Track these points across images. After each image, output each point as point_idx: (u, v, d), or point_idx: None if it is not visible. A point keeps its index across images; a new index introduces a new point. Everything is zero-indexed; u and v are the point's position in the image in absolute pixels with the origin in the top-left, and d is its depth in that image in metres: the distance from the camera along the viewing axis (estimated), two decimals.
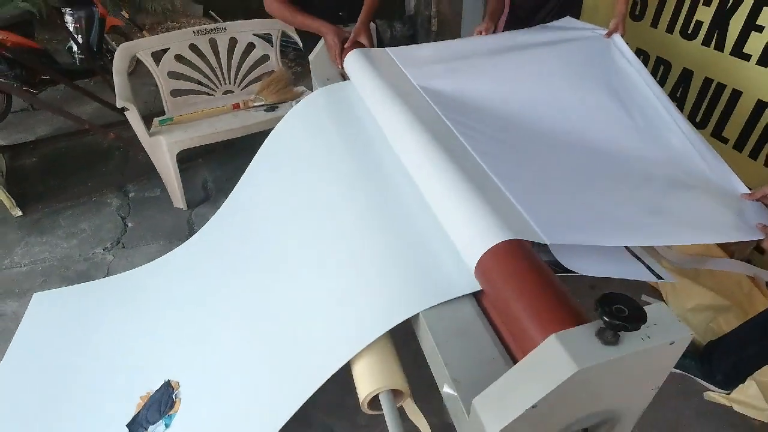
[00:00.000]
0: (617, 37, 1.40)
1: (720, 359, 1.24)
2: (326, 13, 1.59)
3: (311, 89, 1.67)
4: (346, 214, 1.00)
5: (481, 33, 1.54)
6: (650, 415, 1.25)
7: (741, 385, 1.23)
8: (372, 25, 1.58)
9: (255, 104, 2.15)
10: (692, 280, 1.50)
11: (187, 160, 2.42)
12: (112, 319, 1.47)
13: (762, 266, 1.51)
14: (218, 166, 2.40)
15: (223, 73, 2.23)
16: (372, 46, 1.47)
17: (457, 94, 1.23)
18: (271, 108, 2.11)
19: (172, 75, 2.10)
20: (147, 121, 1.92)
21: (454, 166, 0.83)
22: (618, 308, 0.48)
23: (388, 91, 1.16)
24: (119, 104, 1.76)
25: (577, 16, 1.83)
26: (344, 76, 1.47)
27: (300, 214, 1.19)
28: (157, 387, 1.11)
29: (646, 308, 0.51)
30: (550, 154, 1.04)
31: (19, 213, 2.04)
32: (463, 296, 0.73)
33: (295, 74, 2.94)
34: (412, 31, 3.91)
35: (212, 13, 4.07)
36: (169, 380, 1.12)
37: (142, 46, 1.99)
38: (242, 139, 2.03)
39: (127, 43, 2.01)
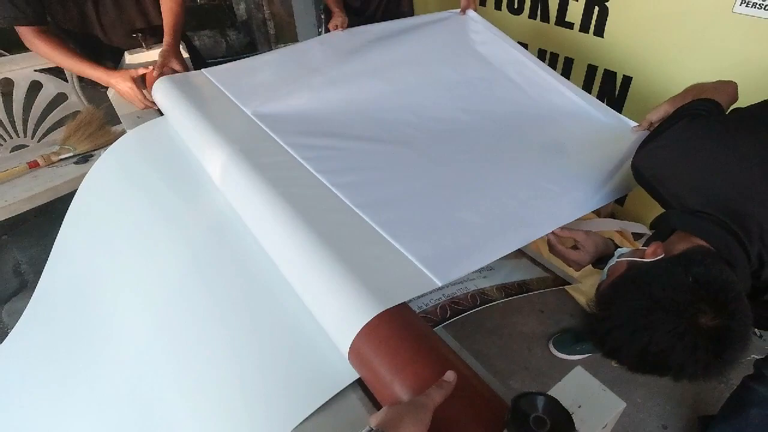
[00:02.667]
0: (471, 12, 1.35)
1: None
2: (115, 37, 1.28)
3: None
4: (185, 299, 0.75)
5: (337, 28, 1.36)
6: None
7: None
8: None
9: (61, 157, 1.71)
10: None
11: None
12: None
13: (625, 218, 1.60)
14: (34, 241, 1.89)
15: (4, 126, 1.74)
16: (186, 69, 1.20)
17: (300, 113, 1.04)
18: (85, 158, 1.69)
19: None
20: None
21: (302, 222, 0.64)
22: (537, 419, 0.34)
23: (209, 128, 0.93)
24: None
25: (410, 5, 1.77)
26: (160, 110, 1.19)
27: (128, 304, 0.90)
28: None
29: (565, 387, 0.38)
30: (416, 162, 0.91)
31: None
32: (344, 390, 0.55)
33: (113, 110, 2.47)
34: (249, 37, 3.60)
35: None
36: None
37: None
38: (62, 198, 1.59)
39: None
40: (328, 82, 1.13)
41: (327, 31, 2.31)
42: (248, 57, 1.29)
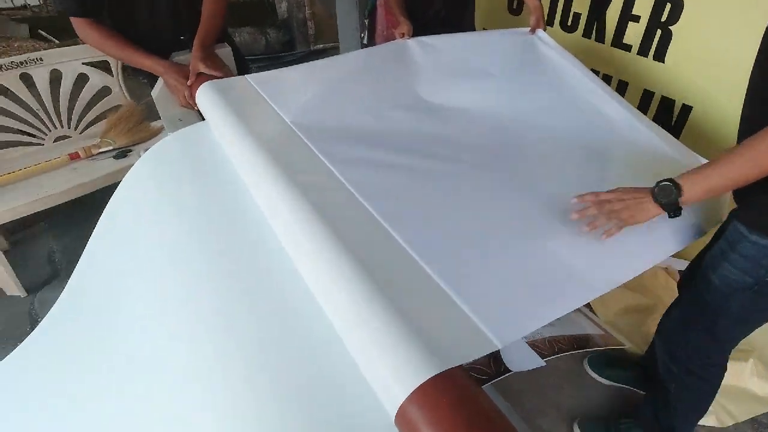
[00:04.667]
0: (542, 33, 1.29)
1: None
2: (162, 38, 1.27)
3: None
4: (211, 315, 0.72)
5: (404, 36, 1.32)
6: None
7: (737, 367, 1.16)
8: (225, 48, 1.28)
9: (101, 150, 1.73)
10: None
11: (22, 227, 1.92)
12: None
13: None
14: (68, 230, 1.92)
15: (50, 116, 1.77)
16: (224, 72, 1.18)
17: (347, 129, 1.00)
18: (123, 153, 1.71)
19: None
20: None
21: (350, 259, 0.59)
22: None
23: (247, 137, 0.90)
24: None
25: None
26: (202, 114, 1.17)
27: (153, 309, 0.88)
28: None
29: None
30: (477, 198, 0.83)
31: None
32: None
33: (152, 106, 2.50)
34: (288, 36, 3.61)
35: (43, 32, 3.39)
36: None
37: None
38: (99, 190, 1.60)
39: None
40: (383, 98, 1.09)
41: (370, 35, 2.30)
42: (287, 55, 1.26)
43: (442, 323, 0.54)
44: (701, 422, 1.17)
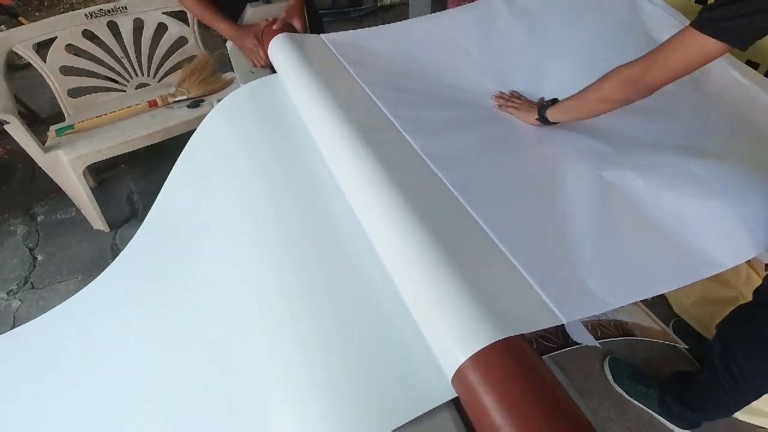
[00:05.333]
0: None
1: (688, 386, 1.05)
2: None
3: None
4: (284, 273, 0.75)
5: None
6: None
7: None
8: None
9: (177, 99, 1.81)
10: None
11: (106, 168, 2.08)
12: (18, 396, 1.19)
13: None
14: (145, 174, 2.06)
15: (132, 64, 1.86)
16: (305, 31, 1.18)
17: (423, 94, 0.98)
18: (196, 103, 1.78)
19: (67, 71, 1.73)
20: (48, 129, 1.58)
21: (418, 220, 0.59)
22: None
23: (319, 93, 0.90)
24: None
25: None
26: (273, 68, 1.19)
27: (220, 252, 0.94)
28: None
29: None
30: (557, 170, 0.79)
31: None
32: (440, 406, 0.52)
33: (224, 57, 2.56)
34: None
35: None
36: None
37: (19, 38, 1.60)
38: (173, 138, 1.71)
39: None
40: (464, 72, 1.05)
41: None
42: (353, 11, 1.24)
43: (507, 293, 0.53)
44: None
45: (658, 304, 1.40)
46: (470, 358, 0.47)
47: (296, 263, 0.72)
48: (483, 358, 0.46)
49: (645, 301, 1.41)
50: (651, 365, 1.25)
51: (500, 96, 1.02)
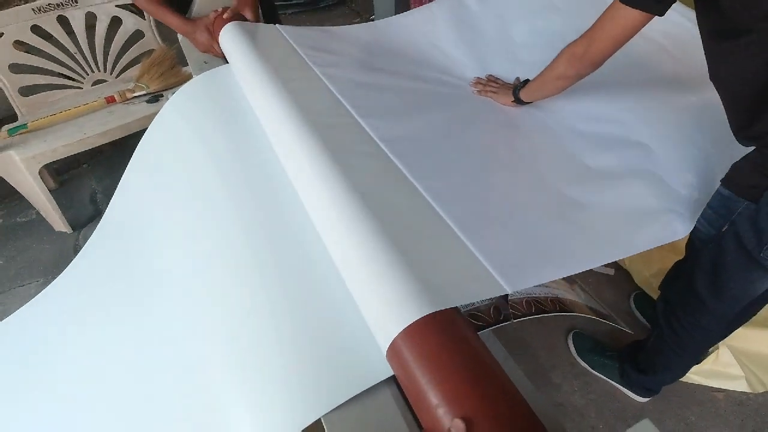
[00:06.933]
0: None
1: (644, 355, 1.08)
2: None
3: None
4: (228, 251, 0.75)
5: None
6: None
7: (711, 356, 1.14)
8: None
9: (136, 94, 1.77)
10: None
11: (67, 168, 2.03)
12: None
13: None
14: (108, 172, 2.01)
15: (87, 59, 1.81)
16: (257, 21, 1.16)
17: (377, 85, 0.98)
18: (155, 98, 1.74)
19: (16, 69, 1.67)
20: None
21: (357, 197, 0.59)
22: None
23: (270, 80, 0.89)
24: None
25: None
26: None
27: (177, 244, 0.93)
28: None
29: None
30: (500, 141, 0.83)
31: None
32: (379, 384, 0.53)
33: None
34: None
35: None
36: None
37: None
38: (134, 134, 1.66)
39: None
40: (422, 62, 1.06)
41: None
42: (320, 1, 1.24)
43: (448, 264, 0.54)
44: (732, 387, 1.15)
45: (621, 279, 1.44)
46: (402, 331, 0.47)
47: (249, 246, 0.72)
48: (414, 331, 0.47)
49: (609, 272, 1.45)
50: (614, 338, 1.29)
51: (477, 81, 1.04)
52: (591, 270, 1.44)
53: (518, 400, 0.45)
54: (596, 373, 1.21)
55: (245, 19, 1.15)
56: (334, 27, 1.21)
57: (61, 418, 0.92)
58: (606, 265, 1.46)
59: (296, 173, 0.71)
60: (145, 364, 0.85)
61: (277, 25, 1.15)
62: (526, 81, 0.92)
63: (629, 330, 1.15)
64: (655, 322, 0.99)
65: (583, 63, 0.74)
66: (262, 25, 1.16)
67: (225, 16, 1.13)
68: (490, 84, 1.02)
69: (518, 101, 0.94)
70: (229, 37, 1.08)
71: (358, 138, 0.76)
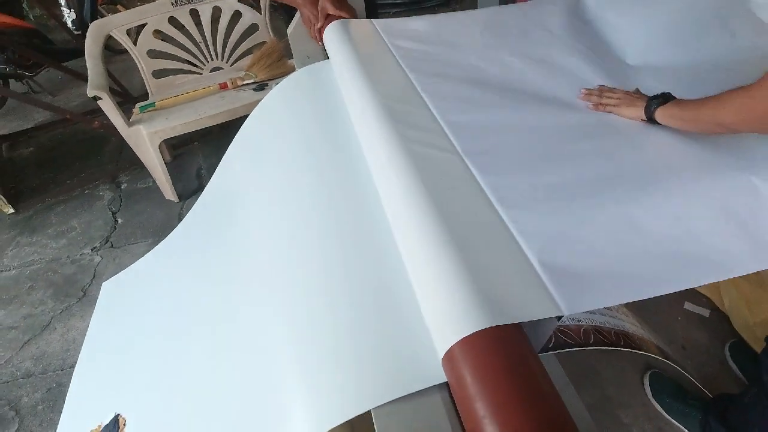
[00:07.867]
0: None
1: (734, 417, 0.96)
2: None
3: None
4: (319, 245, 0.79)
5: None
6: None
7: None
8: None
9: (244, 82, 1.93)
10: (758, 285, 1.22)
11: (181, 144, 2.28)
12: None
13: None
14: (214, 151, 2.23)
15: (209, 48, 2.01)
16: (350, 14, 1.21)
17: (468, 87, 0.95)
18: (261, 86, 1.89)
19: (153, 54, 1.91)
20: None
21: (433, 208, 0.60)
22: None
23: (362, 81, 0.93)
24: (90, 93, 1.59)
25: None
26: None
27: (266, 224, 1.01)
28: (107, 422, 1.01)
29: None
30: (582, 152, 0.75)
31: (11, 210, 1.97)
32: (431, 387, 0.54)
33: None
34: None
35: None
36: (117, 415, 1.00)
37: (115, 24, 1.79)
38: (240, 118, 1.83)
39: (98, 21, 1.81)
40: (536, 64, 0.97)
41: None
42: (425, 1, 1.23)
43: (510, 280, 0.53)
44: None
45: (716, 321, 1.29)
46: (460, 341, 0.48)
47: (336, 236, 0.75)
48: (472, 343, 0.47)
49: (704, 312, 1.30)
50: (697, 386, 1.16)
51: (589, 93, 0.85)
52: (681, 307, 1.31)
53: (569, 427, 0.43)
54: (673, 420, 1.10)
55: (337, 16, 1.18)
56: (427, 16, 1.17)
57: (168, 348, 1.05)
58: (699, 305, 1.31)
59: (379, 176, 0.74)
60: (225, 326, 0.94)
61: (372, 20, 1.17)
62: (665, 96, 0.74)
63: (699, 384, 1.03)
64: (756, 378, 0.87)
65: (763, 125, 0.59)
66: (359, 22, 1.18)
67: (329, 12, 1.17)
68: (607, 95, 0.83)
69: (650, 120, 0.76)
70: (330, 36, 1.14)
71: (452, 169, 0.73)
